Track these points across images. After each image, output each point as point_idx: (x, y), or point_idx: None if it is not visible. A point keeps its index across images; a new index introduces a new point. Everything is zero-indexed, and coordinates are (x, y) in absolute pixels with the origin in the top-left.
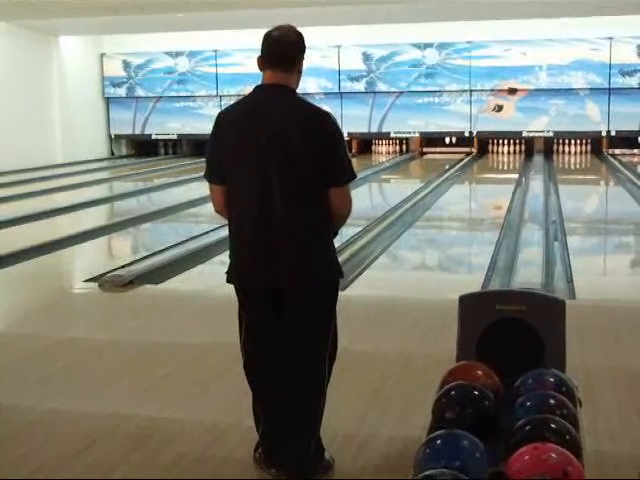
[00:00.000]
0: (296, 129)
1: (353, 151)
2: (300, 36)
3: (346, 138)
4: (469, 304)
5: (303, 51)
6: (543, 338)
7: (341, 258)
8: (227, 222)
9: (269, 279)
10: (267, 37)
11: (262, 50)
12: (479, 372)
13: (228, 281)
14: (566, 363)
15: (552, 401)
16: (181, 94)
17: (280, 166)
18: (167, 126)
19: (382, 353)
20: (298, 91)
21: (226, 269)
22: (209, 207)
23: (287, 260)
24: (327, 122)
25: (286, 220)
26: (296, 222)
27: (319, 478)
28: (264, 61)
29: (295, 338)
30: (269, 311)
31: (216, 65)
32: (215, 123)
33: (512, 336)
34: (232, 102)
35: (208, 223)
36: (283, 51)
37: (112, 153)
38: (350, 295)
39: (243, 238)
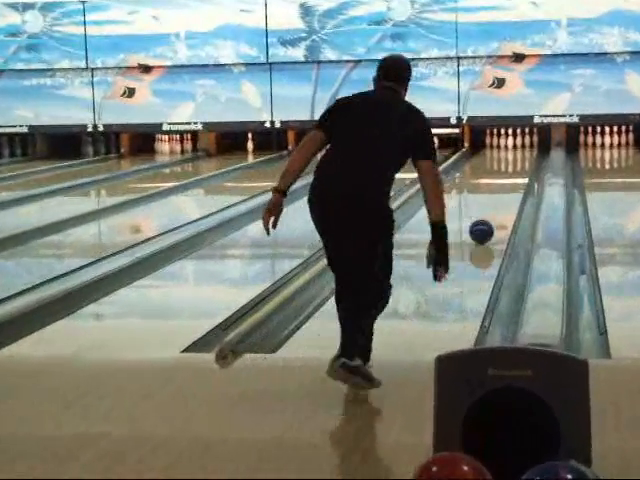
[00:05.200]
0: (395, 118)
1: (290, 147)
2: (409, 64)
3: (278, 126)
4: (450, 368)
5: (410, 76)
6: (557, 416)
7: (269, 306)
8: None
9: (328, 210)
10: (384, 60)
11: (379, 68)
12: (465, 467)
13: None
14: (592, 451)
15: None
16: (33, 66)
17: (375, 139)
18: (13, 114)
19: (332, 442)
20: (207, 61)
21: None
22: (78, 233)
23: (346, 195)
24: (420, 117)
25: (361, 172)
26: (368, 177)
27: (353, 381)
28: (379, 77)
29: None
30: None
31: (84, 23)
32: (338, 99)
33: (512, 414)
34: (109, 78)
35: (77, 257)
36: (396, 69)
37: None
38: (285, 358)
39: (323, 172)
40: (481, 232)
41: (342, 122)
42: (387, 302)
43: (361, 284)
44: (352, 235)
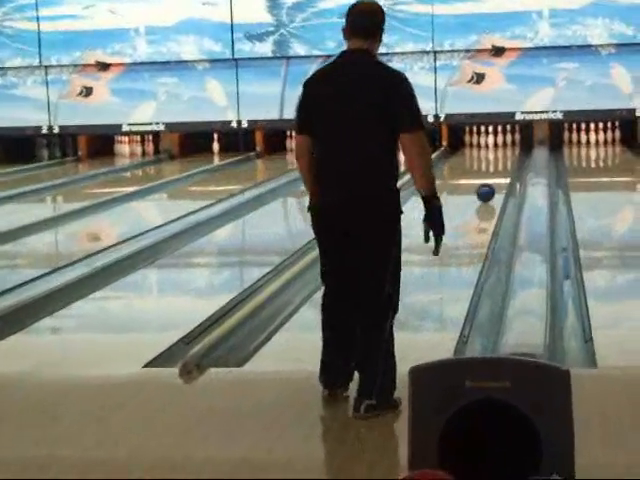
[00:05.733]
0: (368, 86)
1: (257, 148)
2: (381, 9)
3: (245, 126)
4: (425, 380)
5: (383, 22)
6: (539, 429)
7: (237, 317)
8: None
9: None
10: (350, 12)
11: (346, 21)
12: None
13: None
14: (576, 466)
15: None
16: None
17: (352, 116)
18: None
19: (303, 460)
20: (168, 58)
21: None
22: (33, 241)
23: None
24: (397, 79)
25: (352, 160)
26: (359, 163)
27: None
28: (348, 30)
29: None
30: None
31: (37, 19)
32: (304, 85)
33: (491, 428)
34: (65, 77)
35: (32, 267)
36: (364, 25)
37: None
38: (253, 372)
39: (316, 179)
40: (486, 193)
41: (316, 115)
42: (397, 311)
43: (372, 301)
44: (360, 247)
